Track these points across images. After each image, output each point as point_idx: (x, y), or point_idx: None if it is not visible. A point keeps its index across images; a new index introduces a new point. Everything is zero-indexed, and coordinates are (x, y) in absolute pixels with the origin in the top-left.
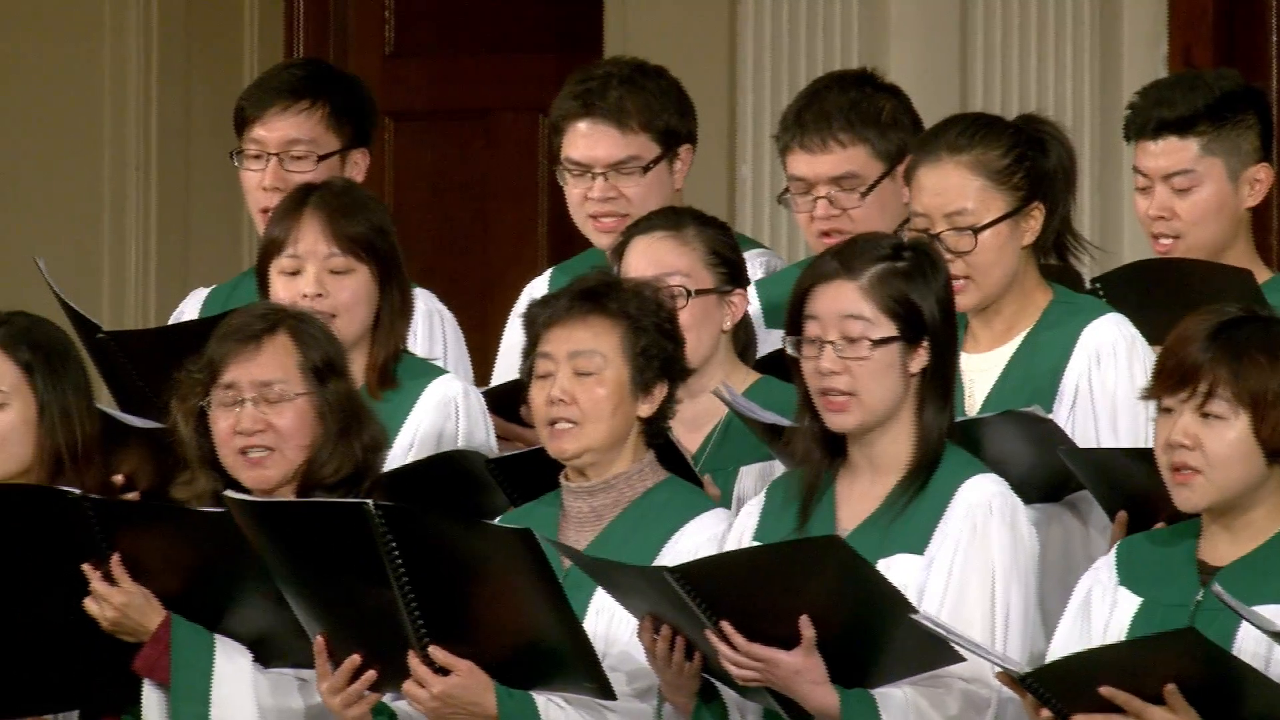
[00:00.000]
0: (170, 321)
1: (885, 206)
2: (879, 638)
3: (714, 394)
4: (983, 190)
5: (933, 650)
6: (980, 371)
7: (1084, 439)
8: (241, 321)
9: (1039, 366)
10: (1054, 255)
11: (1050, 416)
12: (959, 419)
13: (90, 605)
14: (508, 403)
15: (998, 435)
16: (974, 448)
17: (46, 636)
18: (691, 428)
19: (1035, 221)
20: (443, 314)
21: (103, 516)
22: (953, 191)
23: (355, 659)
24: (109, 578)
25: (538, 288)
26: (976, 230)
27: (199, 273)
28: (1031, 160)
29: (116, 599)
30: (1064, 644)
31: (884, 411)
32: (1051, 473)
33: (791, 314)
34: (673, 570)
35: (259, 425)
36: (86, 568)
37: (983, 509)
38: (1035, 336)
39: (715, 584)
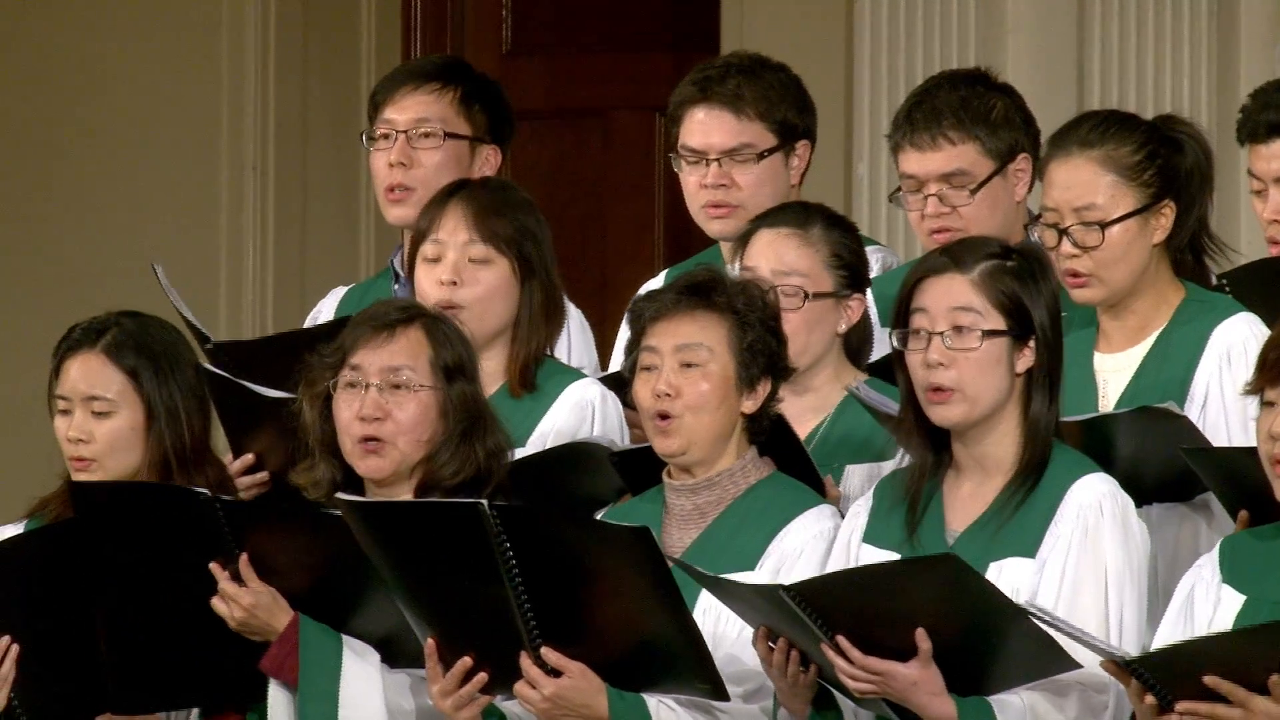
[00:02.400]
0: (306, 322)
1: (996, 204)
2: (994, 646)
3: (847, 390)
4: (1112, 186)
5: (1048, 657)
6: (1114, 371)
7: (1216, 439)
8: (379, 310)
9: (1171, 366)
10: (1190, 255)
11: (1184, 413)
12: (1092, 415)
13: (218, 604)
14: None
15: (1130, 432)
16: (1106, 444)
17: (173, 634)
18: (795, 425)
19: (1166, 219)
20: (569, 310)
21: (232, 516)
22: (1082, 186)
23: (467, 661)
24: (238, 577)
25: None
26: (1104, 225)
27: (316, 274)
28: (1164, 158)
29: (245, 599)
30: (1167, 642)
31: (988, 406)
32: (1184, 471)
33: (899, 307)
34: (788, 588)
35: (379, 412)
36: (214, 567)
37: (1094, 510)
38: (1168, 336)
39: (830, 600)
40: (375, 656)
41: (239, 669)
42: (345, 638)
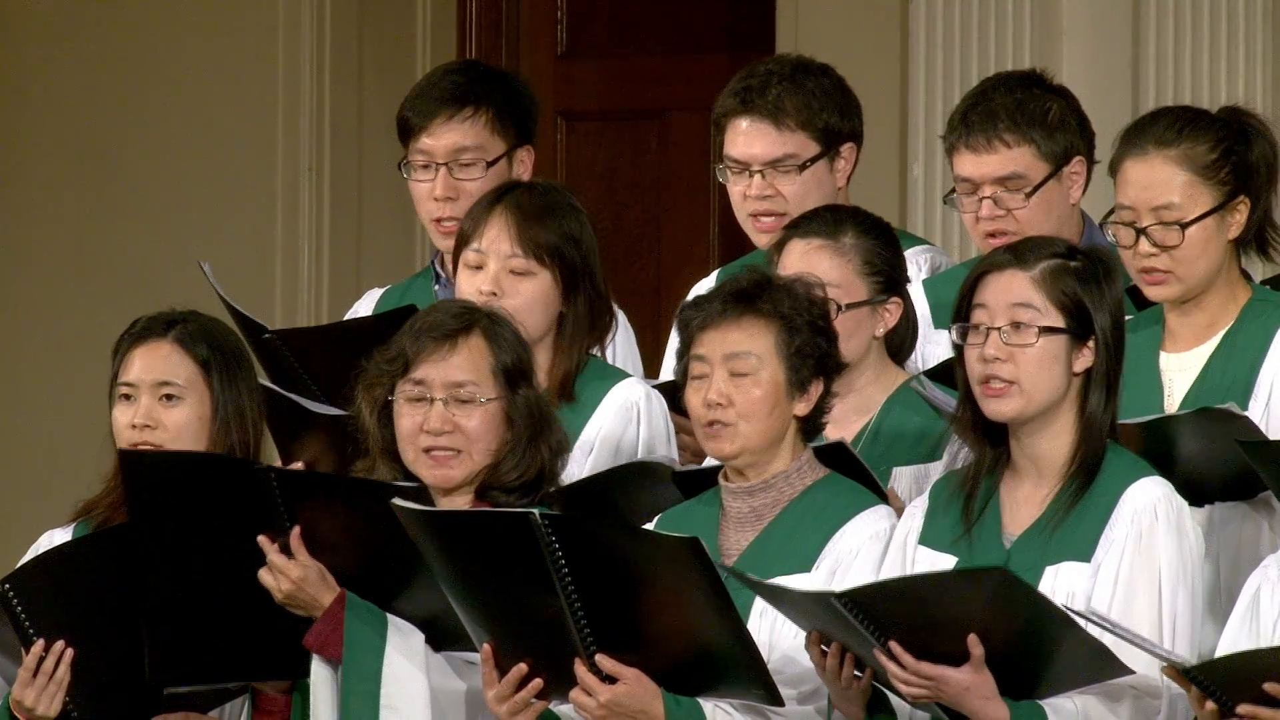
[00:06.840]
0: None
1: (1051, 208)
2: (1047, 653)
3: (910, 387)
4: (1190, 184)
5: (1101, 663)
6: (1179, 371)
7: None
8: (436, 319)
9: (1237, 365)
10: (1255, 248)
11: (1245, 414)
12: (1152, 417)
13: (265, 577)
14: (667, 398)
15: (1191, 433)
16: (1167, 446)
17: (216, 607)
18: (839, 427)
19: (1241, 215)
20: (612, 311)
21: (286, 488)
22: (1160, 185)
23: (522, 668)
24: (287, 551)
25: (703, 289)
26: (1184, 225)
27: (371, 274)
28: (1238, 155)
29: (293, 572)
30: (1233, 644)
31: (1043, 402)
32: (1245, 469)
33: (961, 302)
34: (840, 595)
35: (447, 426)
36: (263, 540)
37: (1148, 514)
38: (1234, 334)
39: (882, 607)
40: (420, 637)
41: (281, 644)
42: (390, 617)
